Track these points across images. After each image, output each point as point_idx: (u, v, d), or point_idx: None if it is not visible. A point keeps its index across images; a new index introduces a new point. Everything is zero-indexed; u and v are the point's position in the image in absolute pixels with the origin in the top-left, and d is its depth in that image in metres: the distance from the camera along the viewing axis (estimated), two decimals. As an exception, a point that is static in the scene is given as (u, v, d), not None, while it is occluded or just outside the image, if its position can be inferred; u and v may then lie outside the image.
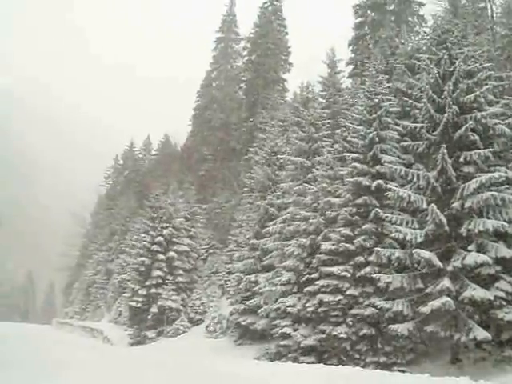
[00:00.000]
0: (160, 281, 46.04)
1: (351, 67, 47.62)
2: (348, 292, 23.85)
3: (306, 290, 25.93)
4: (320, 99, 41.01)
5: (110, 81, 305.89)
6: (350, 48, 48.72)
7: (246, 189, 43.59)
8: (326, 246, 25.35)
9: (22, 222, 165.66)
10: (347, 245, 24.46)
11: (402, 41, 39.09)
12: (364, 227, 24.24)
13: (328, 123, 34.22)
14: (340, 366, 21.48)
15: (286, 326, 26.66)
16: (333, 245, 25.05)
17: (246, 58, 70.24)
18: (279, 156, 37.04)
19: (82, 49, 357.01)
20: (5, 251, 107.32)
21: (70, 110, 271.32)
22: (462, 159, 21.05)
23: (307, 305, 25.54)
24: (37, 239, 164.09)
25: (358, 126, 27.29)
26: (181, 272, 47.38)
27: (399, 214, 22.54)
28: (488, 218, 20.14)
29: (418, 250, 20.24)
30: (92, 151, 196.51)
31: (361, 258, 23.96)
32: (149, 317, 45.33)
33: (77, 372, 19.42)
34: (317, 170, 29.56)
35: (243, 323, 34.01)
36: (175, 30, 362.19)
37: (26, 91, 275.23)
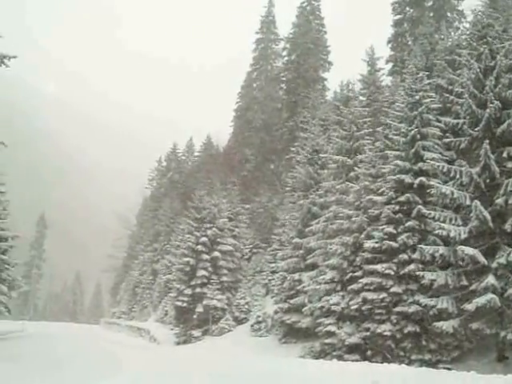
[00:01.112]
0: (205, 280, 46.52)
1: (391, 65, 47.45)
2: (392, 290, 23.84)
3: (349, 288, 26.07)
4: (360, 97, 40.98)
5: (156, 79, 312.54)
6: (389, 45, 48.56)
7: (288, 188, 43.76)
8: (369, 243, 25.42)
9: (69, 225, 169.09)
10: (390, 242, 24.46)
11: (442, 36, 38.78)
12: (407, 225, 24.21)
13: (369, 121, 34.21)
14: (385, 363, 21.57)
15: (330, 324, 26.76)
16: (376, 243, 25.10)
17: (286, 58, 70.34)
18: (321, 155, 37.13)
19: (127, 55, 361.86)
20: (54, 253, 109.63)
21: (115, 113, 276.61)
22: (505, 154, 20.86)
23: (351, 303, 25.66)
24: (84, 241, 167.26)
25: (399, 123, 27.26)
26: (225, 271, 47.78)
27: (442, 211, 22.45)
28: (533, 213, 19.96)
29: (462, 247, 20.15)
30: (137, 154, 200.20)
31: (404, 256, 23.94)
32: (194, 316, 45.87)
33: (131, 372, 19.93)
34: (359, 168, 29.62)
35: (287, 322, 34.24)
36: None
37: (73, 96, 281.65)
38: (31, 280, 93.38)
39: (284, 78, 69.56)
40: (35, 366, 20.07)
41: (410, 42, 46.19)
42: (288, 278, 34.92)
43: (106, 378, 17.19)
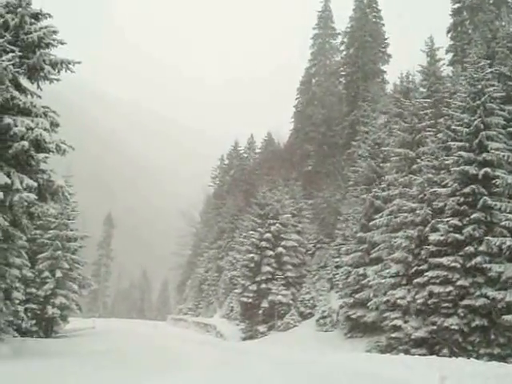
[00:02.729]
0: (269, 276, 46.90)
1: (451, 54, 46.50)
2: (458, 283, 23.54)
3: (415, 281, 25.85)
4: (421, 89, 40.42)
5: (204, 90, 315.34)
6: (449, 35, 47.58)
7: (350, 182, 43.65)
8: (434, 236, 25.16)
9: (135, 224, 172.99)
10: (456, 235, 24.17)
11: (503, 23, 37.88)
12: (473, 216, 23.86)
13: (430, 113, 33.80)
14: (453, 357, 21.36)
15: (396, 318, 26.64)
16: (441, 235, 24.82)
17: (344, 52, 69.80)
18: (383, 148, 36.89)
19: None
20: (122, 252, 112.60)
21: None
22: None
23: (417, 297, 25.46)
24: (150, 240, 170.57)
25: (461, 113, 26.85)
26: (290, 267, 48.01)
27: (509, 202, 22.13)
28: None
29: (529, 238, 19.80)
30: (196, 153, 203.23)
31: (470, 248, 23.59)
32: (260, 312, 46.34)
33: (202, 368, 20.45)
34: (421, 160, 29.31)
35: (353, 316, 34.22)
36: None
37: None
38: (100, 278, 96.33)
39: (343, 73, 69.11)
40: (106, 363, 20.82)
41: (470, 31, 45.16)
42: (352, 272, 34.90)
43: (177, 371, 17.66)
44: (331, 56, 75.98)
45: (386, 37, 66.47)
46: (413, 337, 25.12)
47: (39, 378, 13.87)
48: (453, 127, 27.53)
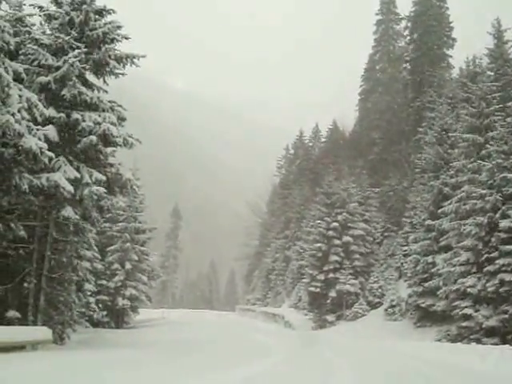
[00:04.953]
0: (337, 265, 46.88)
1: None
2: (531, 270, 23.03)
3: (485, 269, 25.39)
4: (488, 72, 39.23)
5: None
6: (518, 14, 45.97)
7: (417, 170, 43.08)
8: (504, 223, 24.65)
9: (203, 216, 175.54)
10: (528, 221, 23.60)
11: None
12: (545, 202, 23.25)
13: (499, 96, 32.86)
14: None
15: (466, 307, 26.27)
16: (512, 222, 24.29)
17: (408, 37, 68.33)
18: (450, 134, 36.22)
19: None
20: (189, 243, 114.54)
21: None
22: None
23: (488, 285, 25.01)
24: (217, 231, 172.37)
25: (532, 96, 26.09)
26: (357, 256, 47.83)
27: None
28: None
29: None
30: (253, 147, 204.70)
31: (543, 234, 23.02)
32: (328, 301, 46.43)
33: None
34: (490, 145, 28.63)
35: (422, 305, 33.86)
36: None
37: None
38: (168, 270, 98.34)
39: (407, 58, 67.75)
40: (179, 352, 21.32)
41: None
42: (421, 260, 34.50)
43: (255, 361, 17.92)
44: (395, 42, 74.66)
45: (450, 20, 64.79)
46: (484, 326, 24.73)
47: (115, 367, 14.34)
48: (523, 110, 26.80)
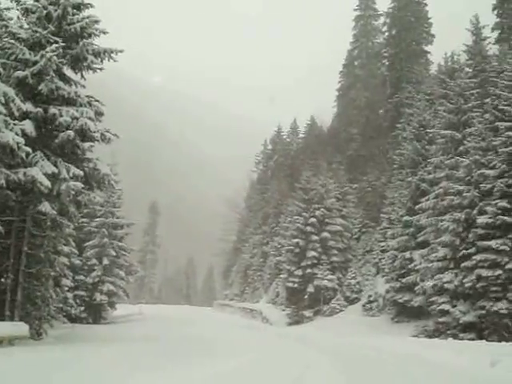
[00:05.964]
0: (315, 261, 46.88)
1: (497, 32, 45.23)
2: (508, 266, 23.25)
3: (462, 265, 25.58)
4: (466, 68, 39.52)
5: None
6: (495, 12, 46.20)
7: (395, 166, 43.26)
8: (482, 219, 24.83)
9: (180, 211, 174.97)
10: (505, 217, 23.82)
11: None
12: (522, 198, 23.45)
13: (477, 93, 33.14)
14: (503, 342, 21.06)
15: (443, 302, 26.46)
16: (489, 218, 24.48)
17: (387, 33, 68.57)
18: (428, 130, 36.40)
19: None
20: (167, 239, 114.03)
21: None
22: None
23: (465, 280, 25.20)
24: (195, 227, 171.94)
25: (509, 93, 26.34)
26: (335, 252, 47.89)
27: (560, 183, 21.59)
28: None
29: None
30: (238, 140, 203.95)
31: (520, 231, 23.22)
32: (305, 297, 46.43)
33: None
34: (468, 142, 28.87)
35: (399, 301, 34.06)
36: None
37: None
38: (146, 265, 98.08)
39: (386, 54, 67.98)
40: (154, 349, 21.14)
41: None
42: (399, 256, 34.67)
43: (230, 358, 17.83)
44: (373, 38, 74.88)
45: (429, 16, 65.09)
46: (461, 321, 24.92)
47: (89, 364, 14.20)
48: (500, 107, 27.00)
